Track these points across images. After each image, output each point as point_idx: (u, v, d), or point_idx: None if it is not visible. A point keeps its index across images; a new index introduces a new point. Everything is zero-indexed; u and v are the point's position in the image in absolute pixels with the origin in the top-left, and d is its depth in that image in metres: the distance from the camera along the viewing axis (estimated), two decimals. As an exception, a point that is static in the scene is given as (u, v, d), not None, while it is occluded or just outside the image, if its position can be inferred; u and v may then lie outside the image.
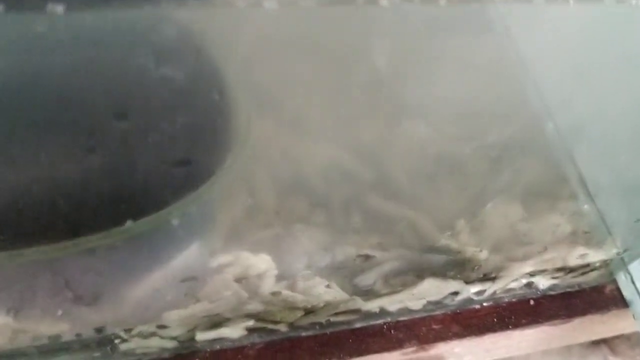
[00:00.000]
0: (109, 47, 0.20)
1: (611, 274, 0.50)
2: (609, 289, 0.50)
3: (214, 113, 0.24)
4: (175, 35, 0.19)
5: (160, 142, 0.23)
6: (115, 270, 0.32)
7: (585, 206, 0.46)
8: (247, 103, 0.29)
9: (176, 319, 0.39)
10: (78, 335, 0.37)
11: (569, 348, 0.62)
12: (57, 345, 0.39)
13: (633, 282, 0.48)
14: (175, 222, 0.31)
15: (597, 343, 0.62)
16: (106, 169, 0.25)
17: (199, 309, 0.38)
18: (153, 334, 0.40)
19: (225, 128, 0.25)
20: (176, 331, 0.41)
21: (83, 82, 0.21)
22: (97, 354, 0.40)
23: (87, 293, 0.33)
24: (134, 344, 0.40)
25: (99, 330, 0.37)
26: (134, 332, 0.39)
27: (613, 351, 0.64)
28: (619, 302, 0.50)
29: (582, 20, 0.40)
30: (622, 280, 0.50)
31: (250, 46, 0.28)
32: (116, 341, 0.39)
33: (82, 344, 0.39)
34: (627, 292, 0.49)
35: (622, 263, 0.49)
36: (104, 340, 0.39)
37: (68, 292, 0.33)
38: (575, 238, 0.45)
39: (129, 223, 0.28)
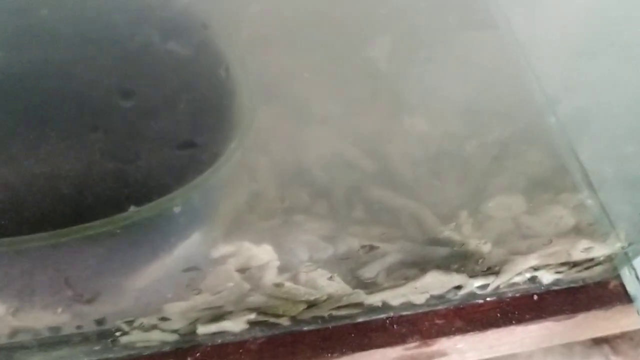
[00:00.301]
0: (113, 22, 0.19)
1: (615, 269, 0.49)
2: (613, 284, 0.50)
3: (220, 92, 0.23)
4: (181, 10, 0.18)
5: (167, 123, 0.22)
6: (116, 260, 0.32)
7: (589, 200, 0.46)
8: (251, 86, 0.28)
9: (177, 311, 0.38)
10: (78, 327, 0.37)
11: (570, 348, 0.61)
12: (57, 338, 0.38)
13: (637, 278, 0.48)
14: (177, 209, 0.30)
15: (599, 343, 0.62)
16: (110, 152, 0.24)
17: (200, 301, 0.38)
18: (154, 327, 0.40)
19: (230, 109, 0.25)
20: (177, 324, 0.40)
21: (87, 59, 0.20)
22: (97, 347, 0.40)
23: (87, 283, 0.33)
24: (134, 337, 0.40)
25: (100, 322, 0.36)
26: (135, 324, 0.38)
27: (615, 351, 0.64)
28: (623, 297, 0.49)
29: (583, 10, 0.40)
30: (626, 275, 0.49)
31: (256, 27, 0.28)
32: (117, 334, 0.39)
33: (82, 337, 0.39)
34: (632, 287, 0.49)
35: (627, 258, 0.48)
36: (104, 333, 0.38)
37: (68, 283, 0.32)
38: (579, 231, 0.45)
39: (132, 209, 0.28)
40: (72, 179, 0.24)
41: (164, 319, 0.38)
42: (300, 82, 0.36)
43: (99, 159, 0.24)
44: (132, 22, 0.18)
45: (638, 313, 0.49)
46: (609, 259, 0.48)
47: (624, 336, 0.62)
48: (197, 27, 0.19)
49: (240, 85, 0.29)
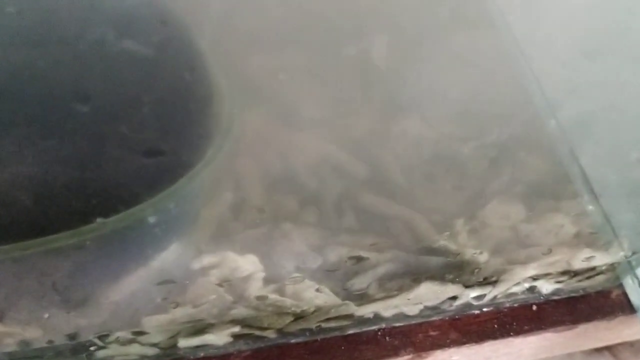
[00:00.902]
0: (62, 19, 0.17)
1: (617, 278, 0.47)
2: (615, 293, 0.48)
3: (191, 96, 0.21)
4: (136, 5, 0.16)
5: (129, 128, 0.20)
6: (86, 272, 0.30)
7: (590, 207, 0.44)
8: (233, 88, 0.26)
9: (156, 325, 0.36)
10: (50, 342, 0.35)
11: (570, 355, 0.60)
12: (28, 353, 0.36)
13: (641, 287, 0.46)
14: (151, 219, 0.28)
15: (599, 350, 0.60)
16: (70, 160, 0.22)
17: (180, 314, 0.36)
18: (133, 341, 0.38)
19: (203, 114, 0.23)
20: (157, 338, 0.38)
21: (35, 61, 0.18)
22: (71, 362, 0.38)
23: (56, 296, 0.31)
24: (111, 351, 0.38)
25: (72, 336, 0.34)
26: (110, 338, 0.36)
27: (616, 357, 0.62)
28: (625, 307, 0.47)
29: (585, 7, 0.38)
30: (629, 284, 0.47)
31: (239, 25, 0.26)
32: (92, 348, 0.37)
33: (55, 351, 0.36)
34: (635, 297, 0.47)
35: (630, 267, 0.46)
36: (78, 348, 0.36)
37: (35, 295, 0.30)
38: (580, 240, 0.43)
39: (98, 220, 0.26)
40: (30, 189, 0.22)
41: (141, 332, 0.36)
42: (287, 83, 0.34)
43: (58, 168, 0.21)
44: (82, 19, 0.16)
45: (641, 324, 0.47)
46: (612, 267, 0.46)
47: (624, 342, 0.60)
48: (156, 24, 0.17)
49: (219, 88, 0.27)
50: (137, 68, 0.18)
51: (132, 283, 0.32)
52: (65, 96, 0.18)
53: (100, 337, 0.35)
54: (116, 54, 0.17)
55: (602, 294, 0.48)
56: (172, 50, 0.19)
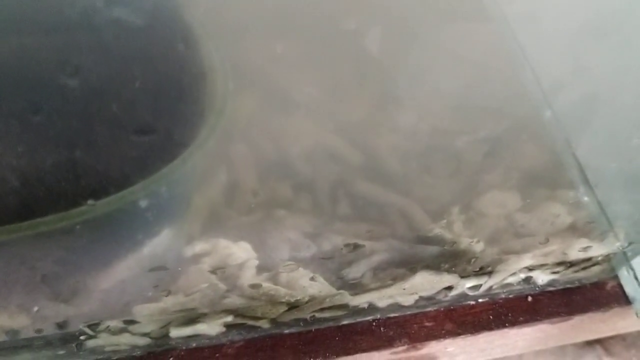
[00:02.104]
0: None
1: (613, 269, 0.47)
2: (610, 285, 0.48)
3: (185, 72, 0.21)
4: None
5: (118, 104, 0.19)
6: (76, 257, 0.29)
7: (586, 197, 0.43)
8: (227, 68, 0.26)
9: (147, 314, 0.36)
10: (38, 331, 0.34)
11: (562, 348, 0.60)
12: (16, 342, 0.35)
13: (636, 278, 0.46)
14: (143, 203, 0.28)
15: (591, 343, 0.60)
16: (58, 138, 0.21)
17: (172, 302, 0.35)
18: (124, 330, 0.37)
19: (196, 91, 0.22)
20: (148, 327, 0.38)
21: (21, 33, 0.17)
22: (61, 352, 0.37)
23: (44, 284, 0.30)
24: (102, 341, 0.37)
25: (61, 325, 0.33)
26: (100, 327, 0.35)
27: (608, 351, 0.62)
28: (620, 299, 0.47)
29: (580, 1, 0.38)
30: (624, 275, 0.47)
31: (236, 6, 0.25)
32: (81, 337, 0.36)
33: (44, 341, 0.36)
34: (630, 288, 0.47)
35: (625, 258, 0.46)
36: (67, 337, 0.36)
37: (23, 283, 0.29)
38: (576, 230, 0.43)
39: (89, 203, 0.25)
40: (16, 169, 0.22)
41: (131, 321, 0.36)
42: (283, 67, 0.34)
43: (45, 147, 0.21)
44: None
45: (637, 315, 0.47)
46: (607, 259, 0.46)
47: (616, 336, 0.60)
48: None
49: (214, 67, 0.26)
50: (128, 39, 0.18)
51: (123, 270, 0.31)
52: (51, 70, 0.18)
53: (90, 326, 0.35)
54: (105, 23, 0.16)
55: (598, 285, 0.48)
56: (165, 20, 0.18)
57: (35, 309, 0.32)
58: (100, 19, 0.17)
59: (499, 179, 0.41)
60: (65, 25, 0.17)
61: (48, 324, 0.34)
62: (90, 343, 0.37)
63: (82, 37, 0.17)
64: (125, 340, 0.38)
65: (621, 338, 0.62)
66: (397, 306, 0.43)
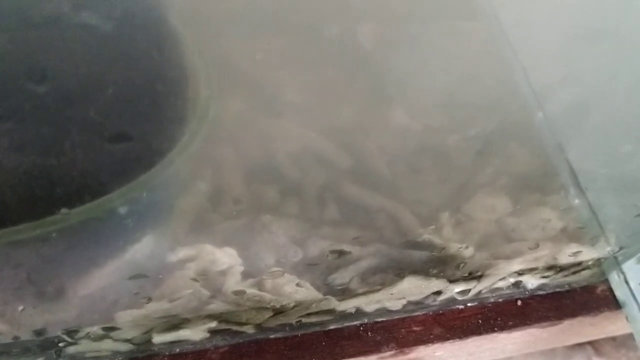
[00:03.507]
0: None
1: (603, 273, 0.47)
2: (600, 289, 0.47)
3: (161, 77, 0.20)
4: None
5: (91, 110, 0.19)
6: (53, 265, 0.28)
7: (577, 201, 0.43)
8: (211, 71, 0.25)
9: (129, 320, 0.35)
10: (15, 338, 0.33)
11: (552, 348, 0.59)
12: (-7, 349, 0.34)
13: (627, 282, 0.45)
14: (122, 210, 0.27)
15: (581, 344, 0.60)
16: (31, 145, 0.21)
17: (154, 308, 0.34)
18: (105, 336, 0.37)
19: (175, 97, 0.22)
20: (130, 333, 0.37)
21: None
22: (40, 359, 0.36)
23: (21, 291, 0.29)
24: (82, 347, 0.36)
25: (39, 332, 0.32)
26: (80, 334, 0.34)
27: (597, 352, 0.62)
28: (610, 303, 0.47)
29: (573, 2, 0.38)
30: (614, 279, 0.47)
31: (219, 5, 0.24)
32: (61, 344, 0.35)
33: (22, 347, 0.35)
34: (620, 292, 0.46)
35: (615, 262, 0.46)
36: (46, 344, 0.35)
37: (-1, 290, 0.29)
38: (567, 234, 0.42)
39: (63, 211, 0.24)
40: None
41: (113, 328, 0.35)
42: (269, 68, 0.33)
43: (18, 154, 0.20)
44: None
45: (627, 319, 0.46)
46: (597, 263, 0.46)
47: (606, 337, 0.60)
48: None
49: (194, 70, 0.25)
50: (98, 45, 0.17)
51: (103, 277, 0.30)
52: (18, 75, 0.17)
53: (68, 333, 0.34)
54: (73, 28, 0.15)
55: (588, 290, 0.47)
56: (138, 25, 0.18)
57: (14, 314, 0.32)
58: (72, 20, 0.16)
59: (489, 182, 0.41)
60: (34, 27, 0.16)
61: (25, 331, 0.33)
62: (71, 350, 0.36)
63: (52, 40, 0.16)
64: (106, 346, 0.37)
65: (611, 338, 0.61)
66: (385, 311, 0.42)
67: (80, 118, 0.19)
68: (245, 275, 0.35)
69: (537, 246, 0.41)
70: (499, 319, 0.45)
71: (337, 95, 0.37)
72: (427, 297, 0.43)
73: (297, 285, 0.36)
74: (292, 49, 0.33)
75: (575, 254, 0.43)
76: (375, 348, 0.42)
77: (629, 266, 0.46)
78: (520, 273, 0.44)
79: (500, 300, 0.46)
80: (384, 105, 0.38)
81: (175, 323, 0.37)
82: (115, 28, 0.16)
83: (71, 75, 0.18)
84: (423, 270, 0.40)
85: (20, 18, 0.15)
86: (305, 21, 0.34)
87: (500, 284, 0.44)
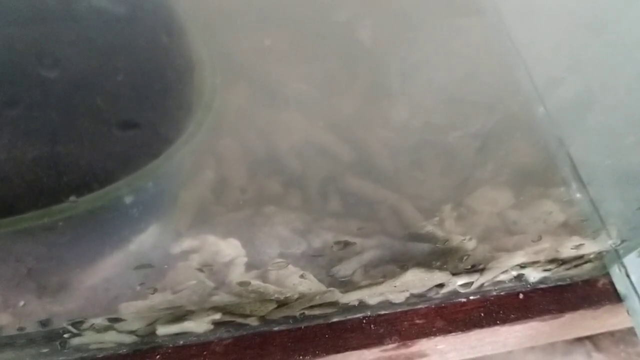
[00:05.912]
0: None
1: (604, 266, 0.47)
2: (601, 282, 0.48)
3: (170, 65, 0.20)
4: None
5: (100, 97, 0.19)
6: (59, 254, 0.28)
7: (578, 194, 0.43)
8: (216, 62, 0.25)
9: (133, 311, 0.35)
10: (21, 329, 0.33)
11: (552, 343, 0.60)
12: (-2, 340, 0.35)
13: (628, 276, 0.45)
14: (128, 199, 0.27)
15: (580, 338, 0.60)
16: (39, 132, 0.21)
17: (158, 300, 0.35)
18: (109, 328, 0.37)
19: (182, 85, 0.22)
20: (134, 325, 0.37)
21: None
22: (45, 350, 0.36)
23: (27, 281, 0.29)
24: (87, 339, 0.37)
25: (44, 323, 0.33)
26: (85, 325, 0.35)
27: (597, 347, 0.62)
28: (612, 296, 0.47)
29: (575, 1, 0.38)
30: (616, 273, 0.47)
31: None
32: (65, 335, 0.35)
33: (27, 339, 0.35)
34: (621, 286, 0.46)
35: (617, 255, 0.46)
36: (51, 335, 0.35)
37: (5, 279, 0.29)
38: (569, 227, 0.42)
39: (70, 200, 0.24)
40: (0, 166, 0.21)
41: (117, 319, 0.35)
42: (273, 60, 0.33)
43: (26, 141, 0.20)
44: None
45: (628, 313, 0.46)
46: (599, 256, 0.46)
47: (605, 331, 0.60)
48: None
49: (202, 61, 0.25)
50: (109, 29, 0.17)
51: (108, 267, 0.30)
52: (29, 61, 0.17)
53: (74, 324, 0.34)
54: (85, 12, 0.16)
55: (589, 283, 0.48)
56: (148, 10, 0.18)
57: (19, 305, 0.32)
58: (81, 8, 0.16)
59: (491, 175, 0.41)
60: (45, 15, 0.16)
61: (31, 322, 0.33)
62: (75, 341, 0.36)
63: (62, 27, 0.16)
64: (110, 338, 0.37)
65: (610, 334, 0.62)
66: (388, 303, 0.43)
67: (90, 104, 0.19)
68: (249, 266, 0.36)
69: (539, 239, 0.41)
70: (501, 312, 0.45)
71: (340, 88, 0.37)
72: (429, 289, 0.43)
73: (301, 276, 0.36)
74: (298, 42, 0.33)
75: (577, 247, 0.43)
76: (378, 340, 0.42)
77: (630, 259, 0.46)
78: (522, 266, 0.44)
79: (502, 293, 0.46)
80: (386, 99, 0.38)
81: (179, 315, 0.37)
82: (129, 14, 0.16)
83: (82, 60, 0.18)
84: (426, 262, 0.40)
85: (33, 2, 0.15)
86: (310, 14, 0.34)
87: (503, 277, 0.45)
